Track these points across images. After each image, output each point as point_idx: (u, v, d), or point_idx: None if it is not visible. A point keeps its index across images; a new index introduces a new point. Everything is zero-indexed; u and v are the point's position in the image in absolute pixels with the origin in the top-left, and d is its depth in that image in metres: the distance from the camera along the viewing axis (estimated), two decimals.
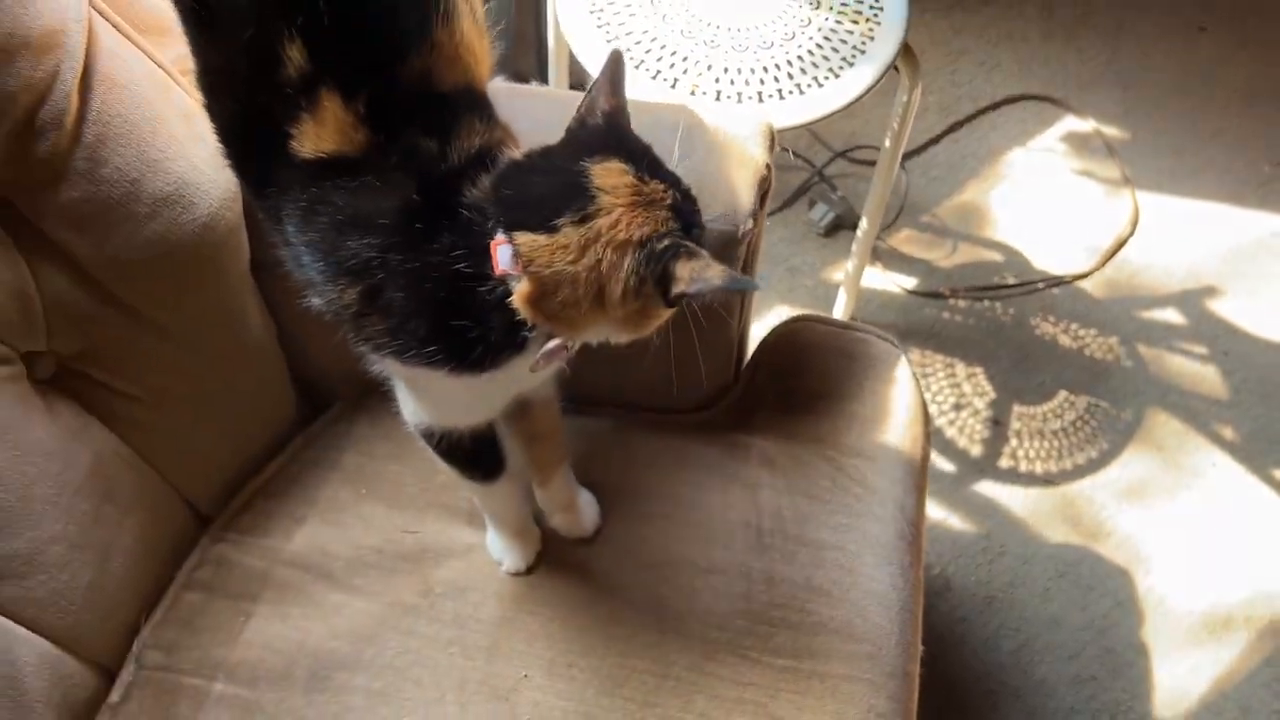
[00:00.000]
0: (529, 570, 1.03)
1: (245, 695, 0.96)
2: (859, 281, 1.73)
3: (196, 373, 1.02)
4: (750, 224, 1.01)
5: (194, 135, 0.93)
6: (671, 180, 0.77)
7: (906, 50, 1.33)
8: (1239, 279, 1.87)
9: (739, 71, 1.29)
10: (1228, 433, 1.71)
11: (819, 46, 1.32)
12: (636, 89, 1.26)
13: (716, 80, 1.28)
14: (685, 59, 1.29)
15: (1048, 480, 1.67)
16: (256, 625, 1.00)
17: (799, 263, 1.86)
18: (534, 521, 1.04)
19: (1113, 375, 1.77)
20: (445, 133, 0.77)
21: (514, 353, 0.78)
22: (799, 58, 1.31)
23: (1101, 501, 1.65)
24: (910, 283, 1.85)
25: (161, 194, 0.91)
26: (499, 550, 1.03)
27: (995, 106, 2.05)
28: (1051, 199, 1.96)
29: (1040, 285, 1.86)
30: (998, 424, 1.72)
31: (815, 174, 1.93)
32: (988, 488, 1.66)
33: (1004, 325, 1.82)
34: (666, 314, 0.78)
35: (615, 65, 0.80)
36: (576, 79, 1.45)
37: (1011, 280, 1.86)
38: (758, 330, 1.23)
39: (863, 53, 1.31)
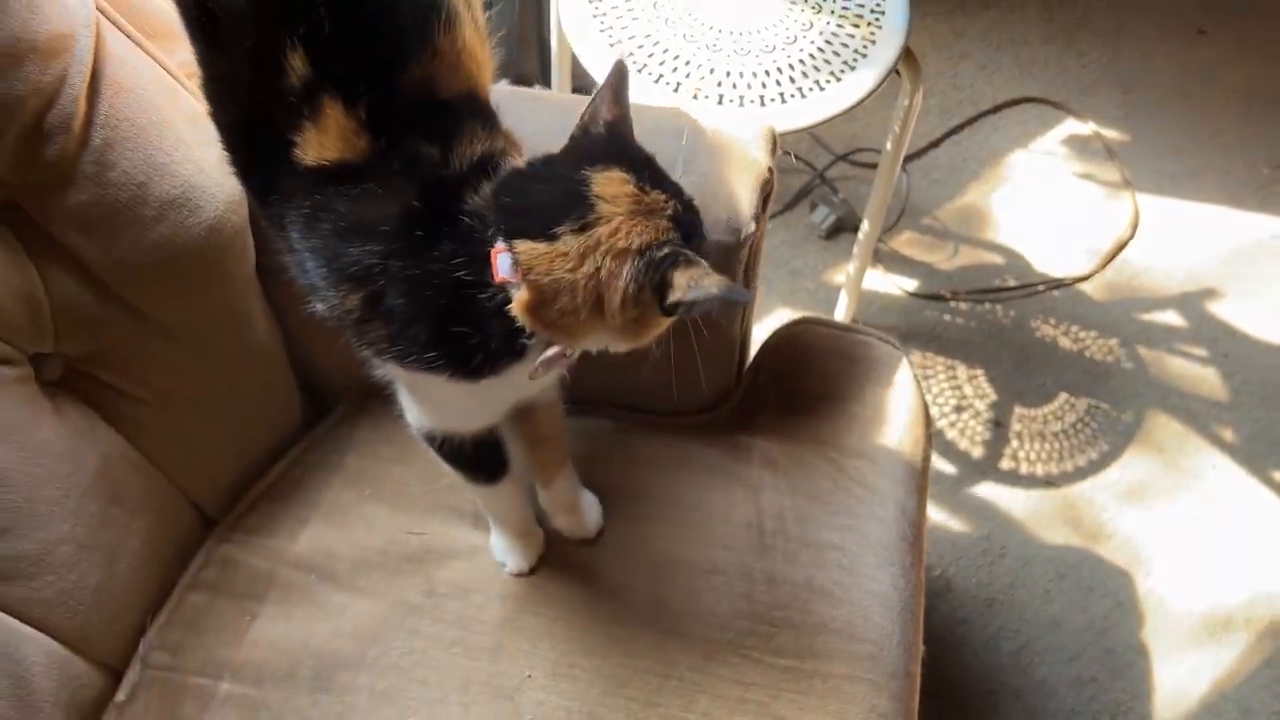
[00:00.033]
0: (532, 571, 1.03)
1: (251, 695, 0.96)
2: (860, 284, 1.73)
3: (202, 375, 1.03)
4: (752, 227, 1.01)
5: (200, 139, 0.94)
6: (673, 190, 0.78)
7: (908, 54, 1.34)
8: (1239, 281, 1.88)
9: (741, 75, 1.30)
10: (1228, 434, 1.72)
11: (821, 50, 1.32)
12: (639, 93, 1.27)
13: (719, 84, 1.29)
14: (688, 63, 1.30)
15: (1048, 482, 1.67)
16: (261, 625, 1.00)
17: (800, 265, 1.87)
18: (537, 523, 1.05)
19: (1113, 377, 1.78)
20: (447, 140, 0.78)
21: (513, 360, 0.78)
22: (801, 61, 1.31)
23: (1102, 503, 1.65)
24: (911, 285, 1.86)
25: (168, 197, 0.92)
26: (502, 551, 1.04)
27: (996, 109, 2.06)
28: (1052, 201, 1.97)
29: (1041, 287, 1.86)
30: (998, 426, 1.72)
31: (816, 177, 1.93)
32: (988, 489, 1.66)
33: (1005, 327, 1.83)
34: (665, 324, 0.78)
35: (619, 75, 0.80)
36: (579, 82, 1.46)
37: (1012, 282, 1.87)
38: (759, 332, 1.23)
39: (864, 56, 1.32)
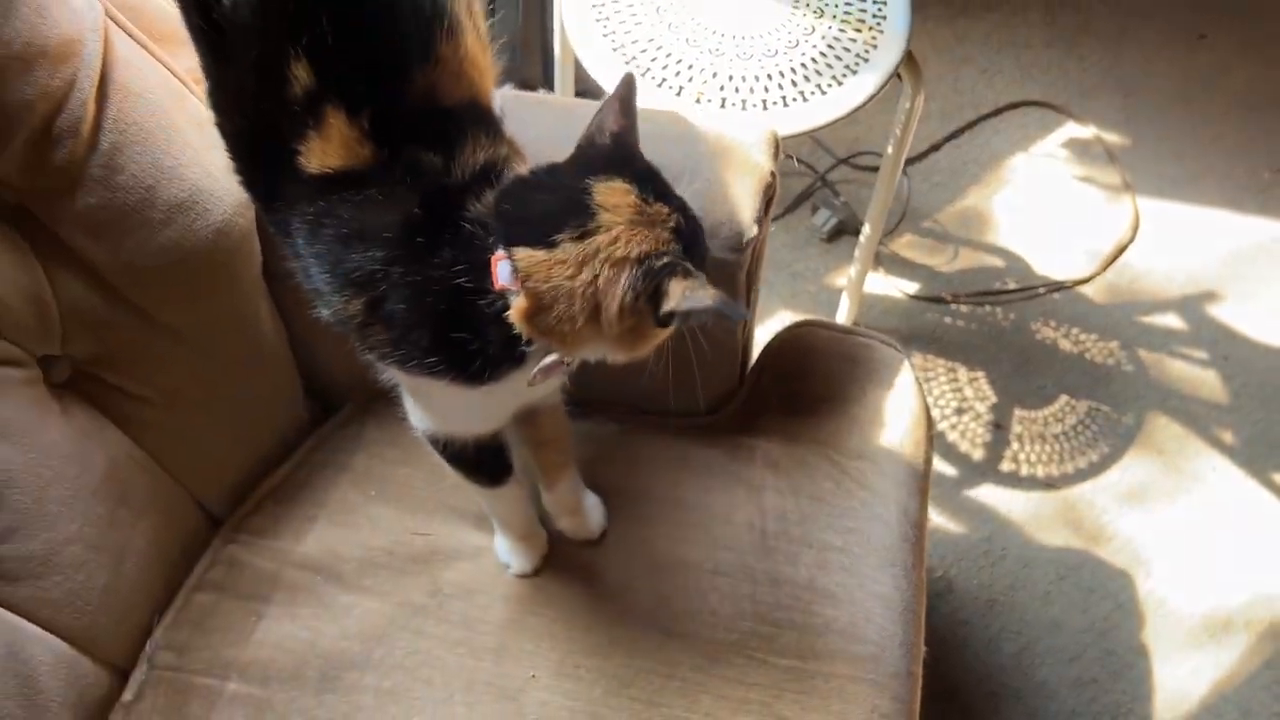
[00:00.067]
0: (536, 572, 1.04)
1: (257, 694, 0.97)
2: (861, 286, 1.74)
3: (209, 376, 1.04)
4: (755, 231, 1.02)
5: (207, 143, 0.95)
6: (677, 204, 0.78)
7: (909, 58, 1.35)
8: (1239, 284, 1.88)
9: (743, 79, 1.30)
10: (1228, 437, 1.73)
11: (823, 54, 1.33)
12: (641, 97, 1.27)
13: (721, 88, 1.29)
14: (690, 67, 1.31)
15: (1049, 484, 1.68)
16: (267, 625, 1.01)
17: (802, 268, 1.88)
18: (541, 524, 1.05)
19: (1113, 380, 1.78)
20: (449, 147, 0.79)
21: (512, 367, 0.79)
22: (803, 65, 1.32)
23: (1102, 505, 1.66)
24: (912, 288, 1.87)
25: (176, 200, 0.93)
26: (506, 553, 1.04)
27: (997, 113, 2.07)
28: (1053, 205, 1.98)
29: (1041, 290, 1.87)
30: (999, 428, 1.73)
31: (818, 180, 1.94)
32: (989, 491, 1.67)
33: (1005, 330, 1.83)
34: (661, 335, 0.78)
35: (627, 88, 0.81)
36: (582, 86, 1.47)
37: (1013, 285, 1.87)
38: (762, 335, 1.24)
39: (866, 60, 1.32)
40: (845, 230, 1.90)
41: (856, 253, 1.69)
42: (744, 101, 1.29)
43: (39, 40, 0.84)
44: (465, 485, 0.99)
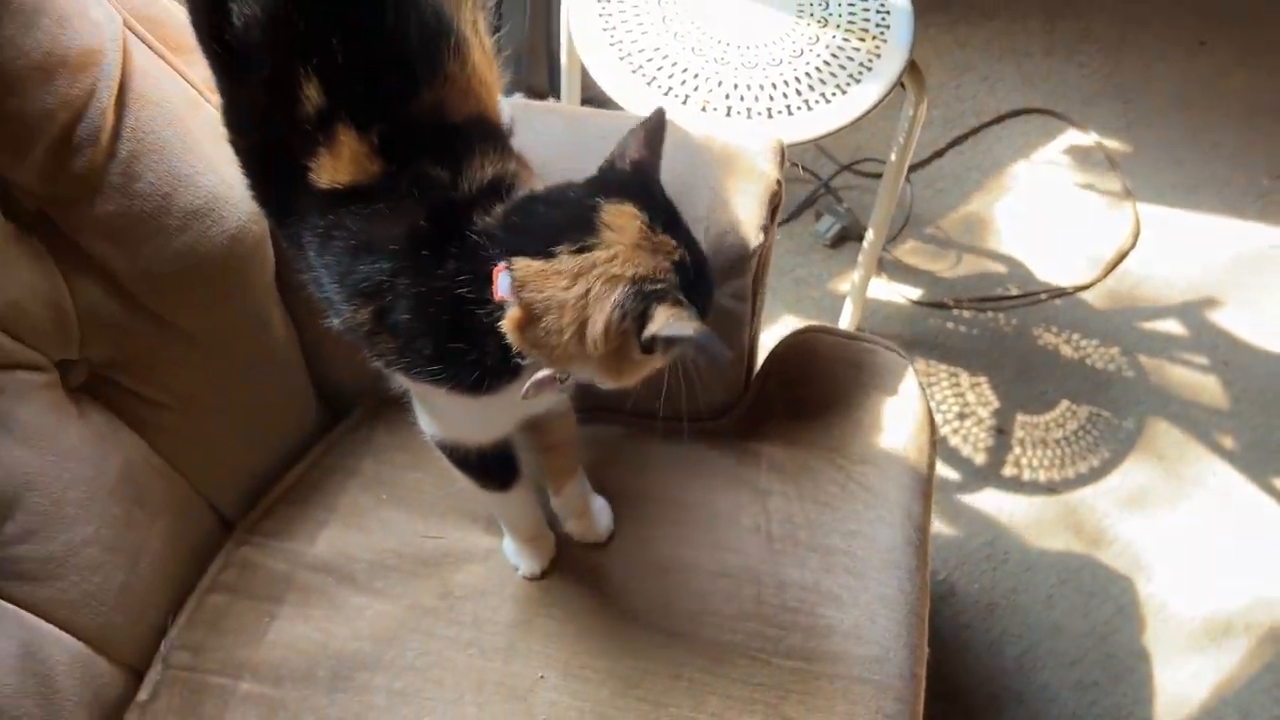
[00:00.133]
0: (544, 574, 1.05)
1: (270, 694, 0.98)
2: (865, 292, 1.75)
3: (223, 381, 1.05)
4: (761, 238, 1.03)
5: (223, 151, 0.96)
6: (686, 242, 0.78)
7: (912, 67, 1.36)
8: (1239, 290, 1.90)
9: (749, 88, 1.32)
10: (1228, 442, 1.74)
11: (826, 64, 1.35)
12: (650, 106, 1.29)
13: (727, 96, 1.31)
14: (696, 75, 1.32)
15: (1050, 488, 1.69)
16: (280, 626, 1.02)
17: (805, 274, 1.89)
18: (549, 527, 1.06)
19: (1114, 385, 1.79)
20: (457, 162, 0.80)
21: (509, 379, 0.79)
22: (807, 74, 1.34)
23: (1103, 509, 1.67)
24: (915, 293, 1.88)
25: (192, 208, 0.94)
26: (515, 555, 1.05)
27: (999, 120, 2.08)
28: (1054, 211, 1.99)
29: (1043, 296, 1.88)
30: (1001, 433, 1.74)
31: (821, 186, 1.96)
32: (991, 496, 1.68)
33: (1007, 335, 1.84)
34: (647, 364, 0.77)
35: (657, 122, 0.82)
36: (588, 94, 1.48)
37: (1015, 291, 1.89)
38: (766, 340, 1.25)
39: (869, 69, 1.34)
40: (848, 236, 1.92)
41: (860, 258, 1.71)
42: (749, 110, 1.30)
43: (60, 50, 0.85)
44: (474, 489, 1.00)
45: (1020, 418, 1.76)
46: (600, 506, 1.08)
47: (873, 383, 1.17)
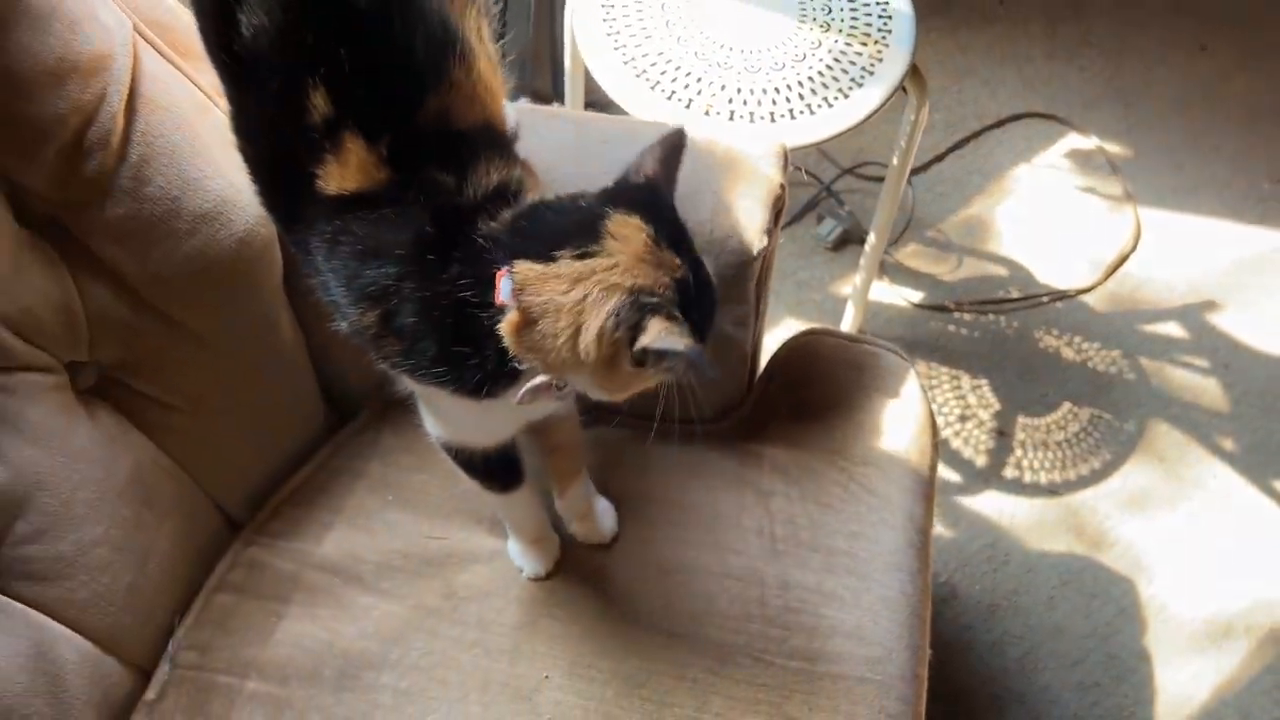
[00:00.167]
0: (548, 575, 1.06)
1: (276, 693, 0.99)
2: (866, 295, 1.76)
3: (231, 383, 1.06)
4: (765, 242, 1.04)
5: (231, 155, 0.97)
6: (691, 263, 0.77)
7: (914, 71, 1.37)
8: (1239, 293, 1.90)
9: (751, 92, 1.33)
10: (1228, 444, 1.74)
11: (829, 68, 1.35)
12: (651, 109, 1.30)
13: (730, 101, 1.32)
14: (699, 80, 1.33)
15: (1051, 490, 1.70)
16: (287, 626, 1.03)
17: (807, 277, 1.90)
18: (553, 529, 1.07)
19: (1115, 388, 1.80)
20: (462, 168, 0.81)
21: (508, 383, 0.80)
22: (810, 79, 1.34)
23: (1104, 511, 1.68)
24: (916, 296, 1.89)
25: (201, 211, 0.95)
26: (519, 556, 1.06)
27: (1000, 124, 2.09)
28: (1055, 214, 2.00)
29: (1044, 299, 1.89)
30: (1002, 435, 1.75)
31: (823, 190, 1.96)
32: (992, 497, 1.69)
33: (1008, 338, 1.85)
34: (638, 379, 0.77)
35: (675, 141, 0.82)
36: (591, 98, 1.49)
37: (1016, 294, 1.89)
38: (769, 343, 1.26)
39: (871, 74, 1.35)
40: (850, 239, 1.92)
41: (861, 261, 1.71)
42: (752, 114, 1.31)
43: (71, 55, 0.86)
44: (479, 491, 1.01)
45: (1021, 420, 1.77)
46: (604, 508, 1.09)
47: (875, 385, 1.18)
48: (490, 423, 0.93)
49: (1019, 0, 2.27)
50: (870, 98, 1.33)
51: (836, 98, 1.33)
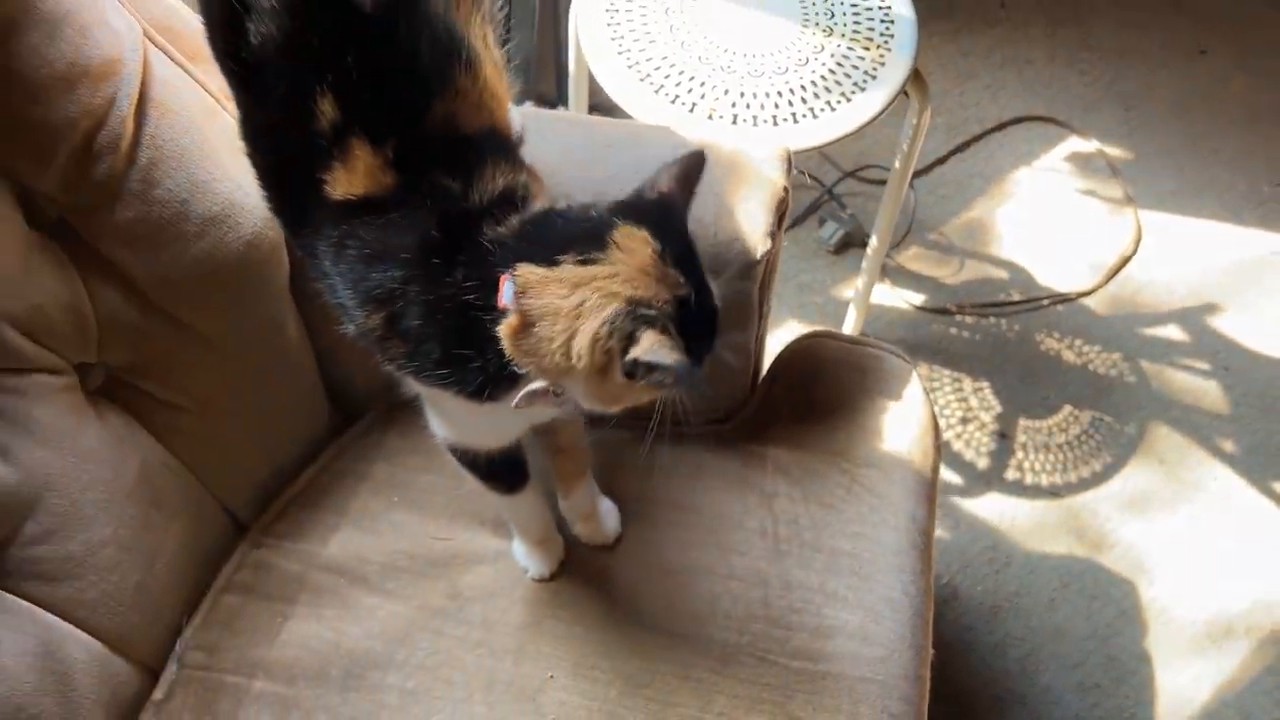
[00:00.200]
0: (553, 576, 1.06)
1: (283, 693, 1.00)
2: (868, 298, 1.77)
3: (238, 384, 1.06)
4: (769, 244, 1.05)
5: (239, 158, 0.98)
6: (697, 285, 0.77)
7: (916, 75, 1.38)
8: (1239, 296, 1.91)
9: (754, 96, 1.33)
10: (1229, 446, 1.75)
11: (831, 72, 1.36)
12: (654, 113, 1.31)
13: (733, 104, 1.32)
14: (703, 84, 1.34)
15: (1053, 492, 1.70)
16: (293, 626, 1.04)
17: (809, 279, 1.90)
18: (557, 529, 1.08)
19: (1116, 390, 1.81)
20: (468, 174, 0.81)
21: (508, 387, 0.80)
22: (812, 83, 1.35)
23: (1105, 513, 1.68)
24: (918, 299, 1.89)
25: (209, 214, 0.96)
26: (524, 557, 1.07)
27: (1001, 127, 2.10)
28: (1056, 217, 2.01)
29: (1045, 302, 1.90)
30: (1004, 437, 1.76)
31: (825, 193, 1.97)
32: (994, 499, 1.69)
33: (1009, 341, 1.86)
34: (628, 392, 0.77)
35: (694, 163, 0.83)
36: (595, 101, 1.50)
37: (1017, 297, 1.90)
38: (771, 345, 1.27)
39: (874, 78, 1.36)
40: (852, 242, 1.93)
41: (863, 264, 1.72)
42: (755, 118, 1.32)
43: (82, 60, 0.87)
44: (484, 492, 1.02)
45: (1022, 422, 1.77)
46: (608, 509, 1.09)
47: (877, 387, 1.19)
48: (494, 425, 0.94)
49: (1020, 4, 2.28)
50: (872, 102, 1.34)
51: (839, 101, 1.34)
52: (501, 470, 0.99)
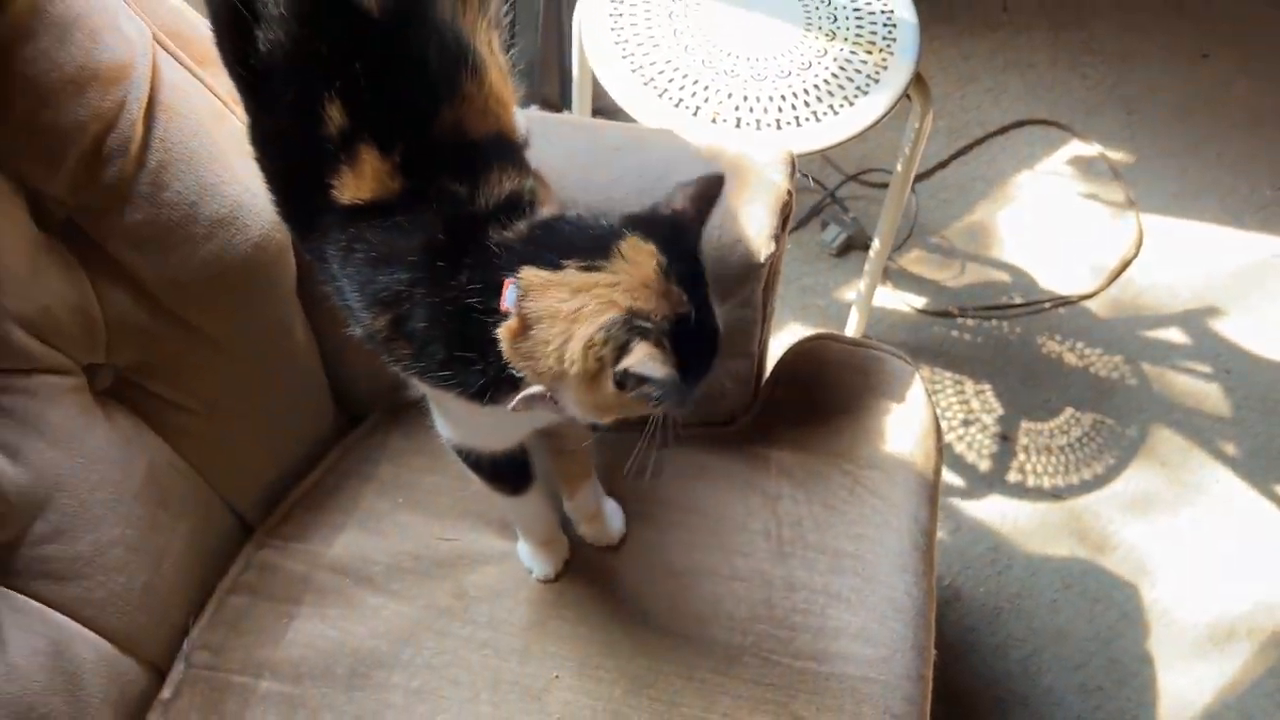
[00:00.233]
0: (558, 577, 1.07)
1: (289, 692, 1.00)
2: (871, 301, 1.77)
3: (245, 385, 1.07)
4: (773, 247, 1.05)
5: (247, 161, 0.98)
6: (700, 306, 0.77)
7: (918, 79, 1.38)
8: (1241, 299, 1.91)
9: (758, 100, 1.34)
10: (1230, 449, 1.75)
11: (834, 76, 1.37)
12: (657, 116, 1.32)
13: (736, 108, 1.33)
14: (706, 88, 1.35)
15: (1054, 495, 1.71)
16: (299, 626, 1.04)
17: (811, 282, 1.91)
18: (562, 530, 1.08)
19: (1118, 392, 1.81)
20: (475, 178, 0.82)
21: (509, 390, 0.80)
22: (815, 86, 1.36)
23: (1107, 516, 1.69)
24: (920, 302, 1.90)
25: (217, 216, 0.96)
26: (529, 558, 1.07)
27: (1003, 131, 2.10)
28: (1058, 221, 2.01)
29: (1047, 305, 1.90)
30: (1005, 439, 1.76)
31: (828, 196, 1.98)
32: (996, 502, 1.70)
33: (1011, 344, 1.86)
34: (617, 403, 0.77)
35: (711, 186, 0.83)
36: (599, 104, 1.51)
37: (1019, 300, 1.91)
38: (774, 348, 1.27)
39: (876, 81, 1.36)
40: (854, 245, 1.94)
41: (866, 267, 1.73)
42: (758, 121, 1.32)
43: (92, 64, 0.88)
44: (489, 493, 1.02)
45: (1024, 424, 1.78)
46: (612, 510, 1.10)
47: (880, 389, 1.19)
48: (498, 427, 0.94)
49: (1022, 8, 2.29)
50: (875, 105, 1.34)
51: (842, 105, 1.34)
52: (506, 471, 1.00)
